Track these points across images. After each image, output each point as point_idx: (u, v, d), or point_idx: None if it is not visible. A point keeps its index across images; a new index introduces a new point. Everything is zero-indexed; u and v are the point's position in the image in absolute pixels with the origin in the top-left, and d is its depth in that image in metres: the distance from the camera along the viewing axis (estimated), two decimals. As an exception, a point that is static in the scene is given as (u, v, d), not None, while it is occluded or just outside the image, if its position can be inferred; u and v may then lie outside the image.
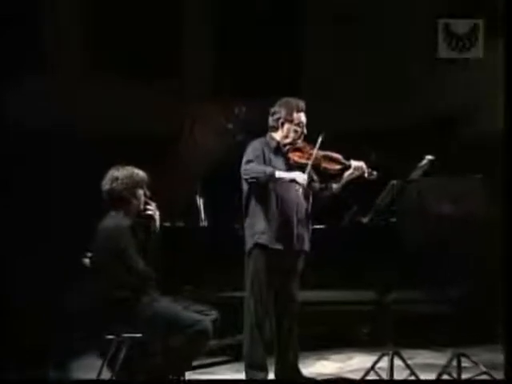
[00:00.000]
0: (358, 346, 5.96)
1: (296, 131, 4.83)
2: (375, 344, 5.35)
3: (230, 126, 5.74)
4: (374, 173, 4.77)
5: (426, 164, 4.66)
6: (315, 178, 4.92)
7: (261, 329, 4.73)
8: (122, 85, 8.02)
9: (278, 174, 4.63)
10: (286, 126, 4.83)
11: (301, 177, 4.59)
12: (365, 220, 4.82)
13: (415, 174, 4.74)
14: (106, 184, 4.38)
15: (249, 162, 4.69)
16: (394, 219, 4.84)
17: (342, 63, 8.15)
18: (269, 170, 4.65)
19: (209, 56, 8.28)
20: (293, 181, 4.62)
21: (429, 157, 4.65)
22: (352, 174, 4.77)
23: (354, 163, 4.76)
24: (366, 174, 4.75)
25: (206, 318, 4.31)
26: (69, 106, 7.61)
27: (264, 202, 4.73)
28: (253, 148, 4.78)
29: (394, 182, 4.73)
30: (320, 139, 4.67)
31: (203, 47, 8.56)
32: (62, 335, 5.31)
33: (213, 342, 4.49)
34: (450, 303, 5.91)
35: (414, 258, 5.82)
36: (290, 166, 4.78)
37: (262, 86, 7.25)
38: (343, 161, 4.77)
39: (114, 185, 4.35)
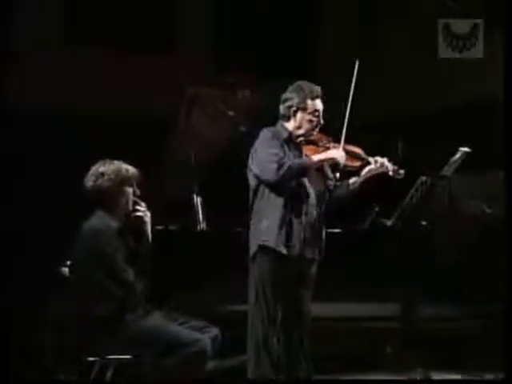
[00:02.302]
0: (381, 369, 5.64)
1: (311, 121, 4.51)
2: (401, 367, 5.20)
3: (232, 113, 5.49)
4: (401, 171, 4.48)
5: (460, 158, 4.46)
6: (330, 175, 4.63)
7: (267, 347, 4.42)
8: (111, 61, 7.81)
9: (315, 157, 4.41)
10: (299, 114, 4.52)
11: (339, 154, 4.37)
12: (389, 223, 4.66)
13: (448, 170, 4.55)
14: (89, 180, 4.10)
15: (275, 162, 4.31)
16: (423, 222, 4.65)
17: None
18: (300, 161, 4.41)
19: (209, 29, 7.99)
20: (331, 159, 4.39)
21: (464, 149, 4.46)
22: (372, 171, 4.50)
23: (376, 160, 4.49)
24: (390, 173, 4.48)
25: (205, 336, 4.07)
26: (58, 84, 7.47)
27: (271, 201, 4.43)
28: (267, 141, 4.44)
29: (424, 178, 4.55)
30: (343, 138, 4.40)
31: (203, 18, 8.24)
32: (36, 353, 5.11)
33: (212, 364, 4.29)
34: (488, 320, 5.73)
35: (447, 268, 5.58)
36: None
37: (273, 66, 6.88)
38: (364, 156, 4.51)
39: (99, 181, 4.08)
